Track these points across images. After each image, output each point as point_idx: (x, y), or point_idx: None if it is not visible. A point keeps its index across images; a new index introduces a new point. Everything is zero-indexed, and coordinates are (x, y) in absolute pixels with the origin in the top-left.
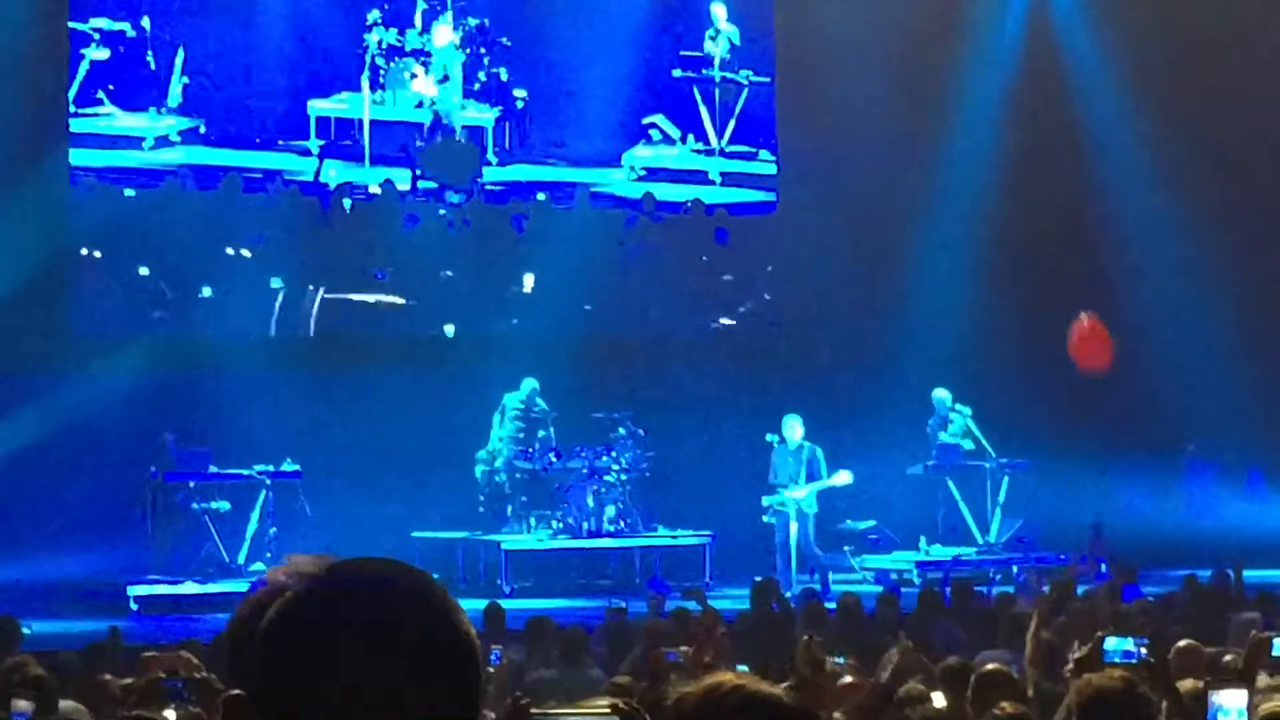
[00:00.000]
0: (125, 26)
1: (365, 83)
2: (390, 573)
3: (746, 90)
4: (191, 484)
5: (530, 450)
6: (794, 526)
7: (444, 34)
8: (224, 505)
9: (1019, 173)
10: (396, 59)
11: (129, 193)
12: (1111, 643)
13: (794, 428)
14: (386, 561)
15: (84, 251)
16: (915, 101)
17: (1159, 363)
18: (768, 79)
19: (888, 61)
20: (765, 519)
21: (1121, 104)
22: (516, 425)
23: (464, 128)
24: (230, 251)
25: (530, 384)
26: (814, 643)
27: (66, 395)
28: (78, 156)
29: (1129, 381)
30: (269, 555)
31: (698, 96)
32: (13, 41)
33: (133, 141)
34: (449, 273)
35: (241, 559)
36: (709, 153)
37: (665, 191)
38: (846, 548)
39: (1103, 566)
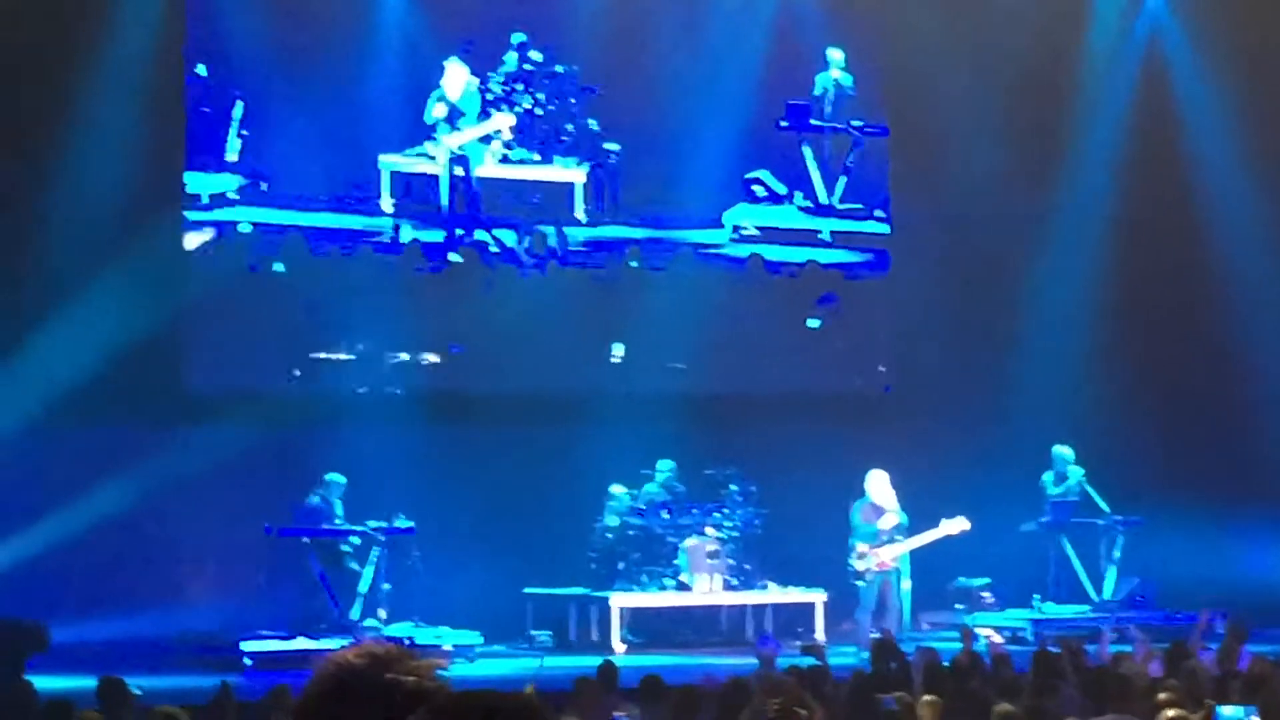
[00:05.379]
0: None
1: (441, 136)
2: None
3: (859, 142)
4: (305, 540)
5: (642, 508)
6: (906, 584)
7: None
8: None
9: (1134, 229)
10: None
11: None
12: (1227, 710)
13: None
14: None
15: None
16: (1028, 155)
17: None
18: (877, 132)
19: (1001, 114)
20: (859, 583)
21: (1241, 155)
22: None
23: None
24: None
25: (667, 466)
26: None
27: (181, 451)
28: (192, 212)
29: (1247, 433)
30: (382, 612)
31: (806, 150)
32: (131, 93)
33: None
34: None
35: (355, 615)
36: (818, 210)
37: (773, 252)
38: (958, 605)
39: (1218, 627)
